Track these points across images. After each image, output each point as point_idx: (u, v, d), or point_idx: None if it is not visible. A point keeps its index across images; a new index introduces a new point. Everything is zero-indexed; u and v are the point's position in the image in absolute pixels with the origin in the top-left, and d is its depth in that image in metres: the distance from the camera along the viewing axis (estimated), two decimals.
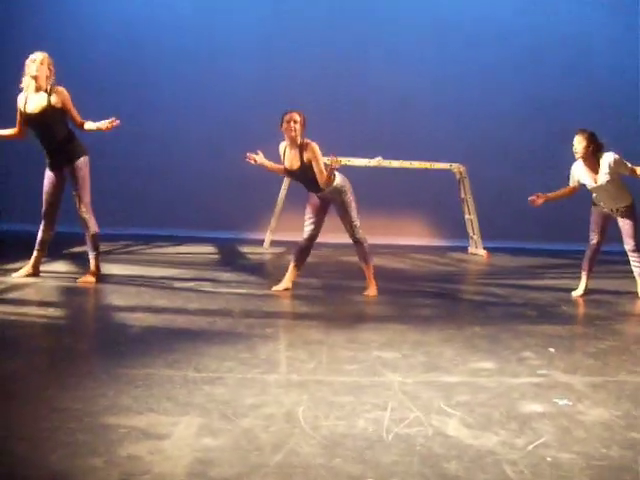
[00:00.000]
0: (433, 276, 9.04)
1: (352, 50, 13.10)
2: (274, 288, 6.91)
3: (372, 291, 7.03)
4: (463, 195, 11.80)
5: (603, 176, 6.92)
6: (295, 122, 6.73)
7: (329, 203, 6.95)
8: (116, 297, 6.22)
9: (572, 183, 7.19)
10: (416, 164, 11.36)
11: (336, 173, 6.75)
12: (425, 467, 2.71)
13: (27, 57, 6.75)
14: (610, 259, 9.05)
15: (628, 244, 7.10)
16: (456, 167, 11.58)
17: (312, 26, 13.16)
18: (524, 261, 10.63)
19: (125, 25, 12.96)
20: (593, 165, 6.95)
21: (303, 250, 7.02)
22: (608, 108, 12.92)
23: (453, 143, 12.77)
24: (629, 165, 6.89)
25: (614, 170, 6.85)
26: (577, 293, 7.38)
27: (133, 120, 12.61)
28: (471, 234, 11.91)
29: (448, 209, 12.54)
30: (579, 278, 7.47)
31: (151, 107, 12.83)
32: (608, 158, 6.87)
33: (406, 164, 11.32)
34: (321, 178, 6.58)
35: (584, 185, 7.08)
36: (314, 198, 6.92)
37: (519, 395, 3.73)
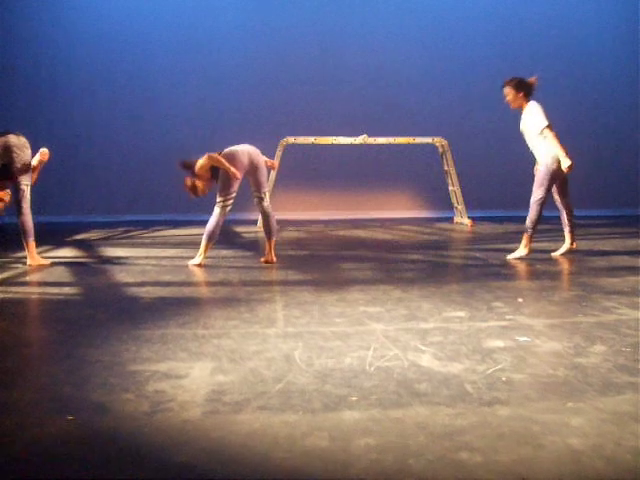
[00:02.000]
0: (418, 244, 9.61)
1: (334, 29, 13.54)
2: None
3: (270, 258, 7.51)
4: (446, 168, 12.33)
5: (523, 122, 7.52)
6: None
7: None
8: (124, 275, 6.76)
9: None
10: (400, 140, 11.89)
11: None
12: (400, 388, 3.29)
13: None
14: (590, 223, 9.67)
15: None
16: (438, 141, 12.11)
17: (293, 6, 13.59)
18: (507, 228, 11.20)
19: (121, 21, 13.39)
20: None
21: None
22: (595, 83, 13.53)
23: (435, 117, 13.30)
24: (544, 119, 7.36)
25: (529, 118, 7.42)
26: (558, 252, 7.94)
27: (126, 110, 13.15)
28: (455, 204, 12.45)
29: (433, 182, 13.07)
30: (556, 240, 8.04)
31: (146, 98, 13.27)
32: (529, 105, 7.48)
33: (390, 140, 11.85)
34: None
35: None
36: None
37: (485, 335, 4.30)
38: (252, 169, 7.23)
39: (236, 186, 7.18)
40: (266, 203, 7.38)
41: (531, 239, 7.70)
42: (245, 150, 7.23)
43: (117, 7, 13.34)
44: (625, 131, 14.23)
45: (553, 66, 13.57)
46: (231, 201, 7.21)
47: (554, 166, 7.32)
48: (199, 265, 7.25)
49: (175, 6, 13.47)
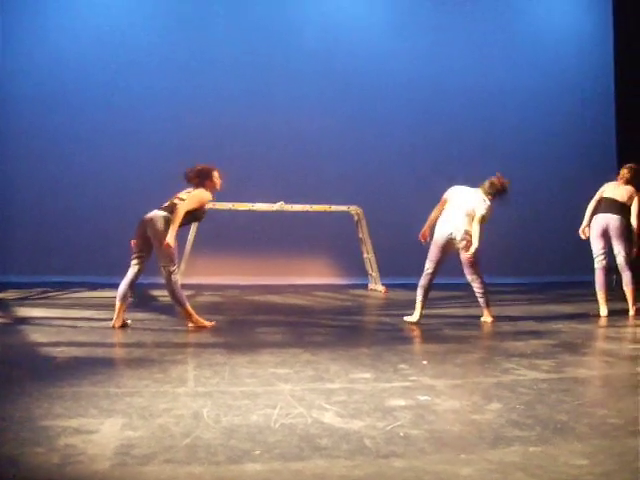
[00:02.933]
0: (331, 310, 9.84)
1: (255, 95, 13.81)
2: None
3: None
4: (361, 235, 12.64)
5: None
6: None
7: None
8: (38, 335, 6.79)
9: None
10: (316, 207, 12.18)
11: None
12: (302, 442, 3.46)
13: None
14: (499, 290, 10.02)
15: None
16: (354, 209, 12.43)
17: (217, 69, 13.86)
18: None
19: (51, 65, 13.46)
20: None
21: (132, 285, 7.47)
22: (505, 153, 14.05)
23: (351, 185, 13.62)
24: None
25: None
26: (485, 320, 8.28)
27: (44, 168, 13.16)
28: (370, 271, 12.74)
29: (348, 248, 13.34)
30: (465, 307, 8.35)
31: (62, 153, 13.29)
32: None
33: (307, 207, 12.13)
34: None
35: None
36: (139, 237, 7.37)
37: (388, 395, 4.51)
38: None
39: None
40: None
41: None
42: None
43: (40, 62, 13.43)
44: (537, 202, 14.74)
45: (470, 136, 14.11)
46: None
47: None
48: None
49: (110, 73, 13.62)
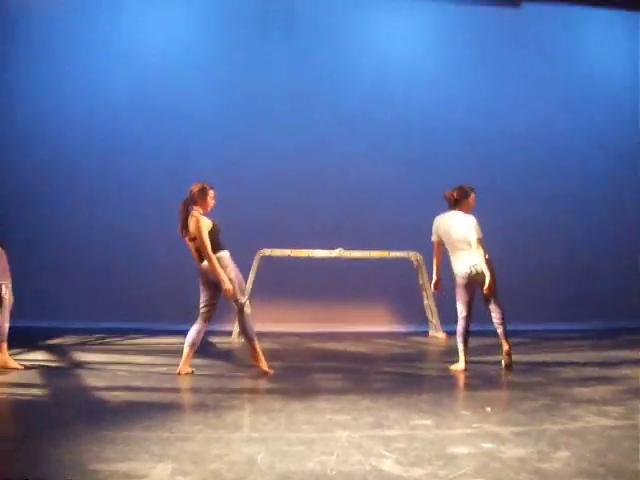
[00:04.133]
0: (390, 357, 9.64)
1: (312, 144, 13.77)
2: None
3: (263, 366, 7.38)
4: (421, 282, 12.45)
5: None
6: None
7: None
8: (94, 379, 6.74)
9: None
10: (375, 253, 12.04)
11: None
12: None
13: None
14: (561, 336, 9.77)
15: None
16: (413, 255, 12.26)
17: (273, 117, 13.85)
18: (481, 341, 11.23)
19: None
20: None
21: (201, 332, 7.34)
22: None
23: (410, 231, 13.40)
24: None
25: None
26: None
27: (106, 215, 13.24)
28: (430, 318, 12.52)
29: (408, 296, 13.13)
30: (526, 353, 8.10)
31: (122, 201, 13.37)
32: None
33: (365, 254, 12.00)
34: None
35: None
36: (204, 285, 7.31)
37: (450, 442, 4.32)
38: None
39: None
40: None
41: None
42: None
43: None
44: (605, 244, 14.42)
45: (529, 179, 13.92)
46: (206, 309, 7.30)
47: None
48: None
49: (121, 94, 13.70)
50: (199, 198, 7.34)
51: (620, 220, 14.48)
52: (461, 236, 7.78)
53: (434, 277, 8.08)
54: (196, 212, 7.26)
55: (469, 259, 7.70)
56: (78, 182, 13.25)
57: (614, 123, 14.72)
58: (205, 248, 7.04)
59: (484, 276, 7.61)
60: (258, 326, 10.17)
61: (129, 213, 13.30)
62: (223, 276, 6.98)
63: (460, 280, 7.78)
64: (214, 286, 7.17)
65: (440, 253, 8.06)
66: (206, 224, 7.19)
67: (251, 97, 13.89)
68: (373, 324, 13.59)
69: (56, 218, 13.24)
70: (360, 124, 13.98)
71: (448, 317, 12.08)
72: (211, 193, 7.42)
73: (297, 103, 13.92)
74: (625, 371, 7.71)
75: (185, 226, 7.29)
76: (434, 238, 8.11)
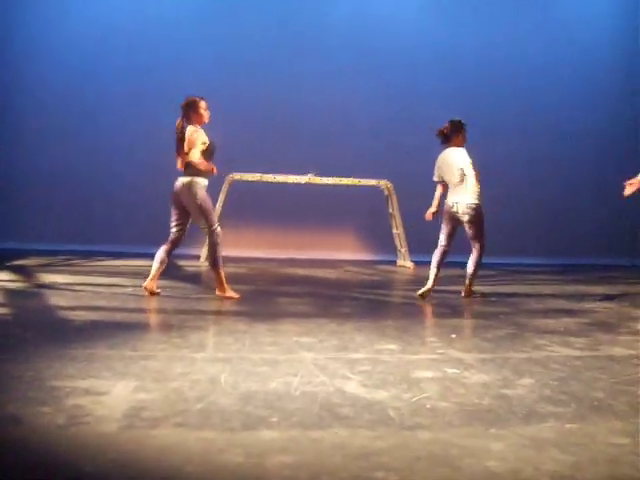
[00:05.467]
0: (358, 283, 9.65)
1: (287, 68, 13.59)
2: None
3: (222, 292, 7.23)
4: (391, 210, 12.41)
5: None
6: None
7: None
8: (58, 299, 6.66)
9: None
10: (346, 181, 11.98)
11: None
12: (322, 411, 3.27)
13: None
14: (523, 269, 9.82)
15: None
16: (384, 183, 12.20)
17: (248, 41, 13.61)
18: (447, 272, 11.22)
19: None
20: None
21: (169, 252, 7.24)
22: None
23: (382, 159, 13.34)
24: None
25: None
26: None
27: (72, 137, 13.04)
28: (399, 247, 12.52)
29: (377, 224, 13.11)
30: (496, 284, 8.13)
31: (93, 126, 13.17)
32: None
33: (336, 180, 11.93)
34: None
35: None
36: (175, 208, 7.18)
37: (414, 367, 4.30)
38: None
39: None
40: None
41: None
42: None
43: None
44: (575, 182, 14.42)
45: (501, 111, 13.83)
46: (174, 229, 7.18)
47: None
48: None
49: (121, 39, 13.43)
50: (191, 112, 7.11)
51: (601, 156, 14.46)
52: (455, 171, 7.70)
53: (432, 208, 8.00)
54: (193, 126, 7.05)
55: (455, 195, 7.67)
56: (48, 104, 13.00)
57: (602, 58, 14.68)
58: (198, 160, 6.85)
59: (462, 215, 7.57)
60: (226, 251, 10.13)
61: (96, 136, 13.12)
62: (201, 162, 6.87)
63: (444, 212, 7.74)
64: (184, 208, 7.05)
65: (443, 190, 8.03)
66: (202, 138, 7.00)
67: (224, 12, 13.67)
68: (342, 251, 13.61)
69: (21, 138, 13.02)
70: (337, 52, 13.82)
71: (417, 247, 12.13)
72: (202, 104, 7.16)
73: (271, 24, 13.71)
74: (590, 305, 7.76)
75: (181, 146, 7.05)
76: (435, 178, 8.10)
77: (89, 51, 13.27)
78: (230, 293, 7.18)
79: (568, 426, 3.19)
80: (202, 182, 6.98)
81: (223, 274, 7.16)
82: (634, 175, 7.19)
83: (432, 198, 8.03)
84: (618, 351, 5.15)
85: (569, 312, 7.11)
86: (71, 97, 13.10)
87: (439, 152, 8.02)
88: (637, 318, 6.94)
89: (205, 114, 7.16)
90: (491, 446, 2.88)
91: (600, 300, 8.16)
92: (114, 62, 13.25)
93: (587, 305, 7.73)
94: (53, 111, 12.97)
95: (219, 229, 7.06)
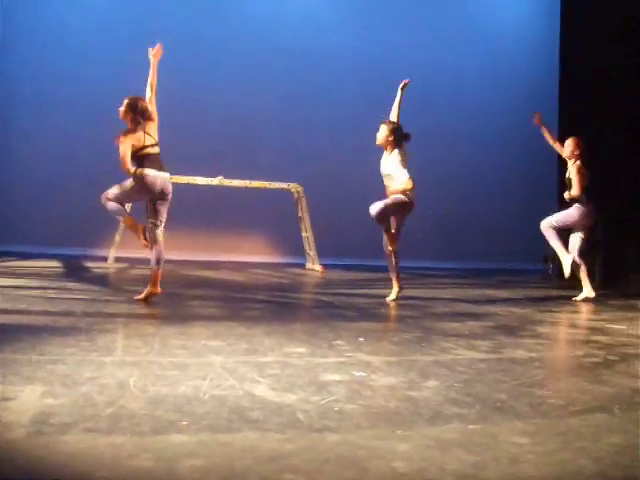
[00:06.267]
0: (267, 286, 9.70)
1: (195, 67, 13.55)
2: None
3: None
4: (300, 214, 12.50)
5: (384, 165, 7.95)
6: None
7: None
8: None
9: None
10: (255, 183, 12.01)
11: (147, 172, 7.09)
12: (232, 415, 3.30)
13: None
14: (431, 273, 10.00)
15: None
16: (293, 186, 12.28)
17: (156, 40, 13.53)
18: (356, 275, 11.42)
19: None
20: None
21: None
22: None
23: (291, 162, 13.43)
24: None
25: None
26: (390, 298, 8.12)
27: None
28: (308, 251, 12.61)
29: (286, 227, 13.18)
30: (406, 287, 8.29)
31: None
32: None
33: (246, 183, 11.95)
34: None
35: None
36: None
37: (323, 370, 4.37)
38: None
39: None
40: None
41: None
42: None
43: None
44: (472, 184, 14.71)
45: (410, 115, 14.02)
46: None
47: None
48: None
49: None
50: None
51: (515, 160, 14.79)
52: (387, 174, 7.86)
53: None
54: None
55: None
56: None
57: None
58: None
59: None
60: (132, 252, 10.09)
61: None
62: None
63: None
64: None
65: None
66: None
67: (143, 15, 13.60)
68: (251, 254, 13.65)
69: None
70: (247, 53, 13.84)
71: (325, 250, 12.25)
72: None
73: (182, 21, 13.68)
74: (494, 309, 7.97)
75: None
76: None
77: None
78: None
79: (472, 427, 3.29)
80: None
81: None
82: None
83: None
84: (520, 354, 5.32)
85: (474, 316, 7.29)
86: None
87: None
88: (538, 321, 7.16)
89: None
90: (397, 447, 2.95)
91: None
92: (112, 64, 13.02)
93: (491, 309, 7.93)
94: None
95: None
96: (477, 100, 14.97)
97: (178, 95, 13.10)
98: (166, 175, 7.09)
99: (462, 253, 14.23)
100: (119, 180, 7.08)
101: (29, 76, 13.11)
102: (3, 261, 10.92)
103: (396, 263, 8.03)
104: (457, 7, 15.26)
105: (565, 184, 8.78)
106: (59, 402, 3.38)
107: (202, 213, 13.24)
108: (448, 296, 9.02)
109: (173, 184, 11.47)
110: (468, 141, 14.66)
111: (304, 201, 12.30)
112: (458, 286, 10.53)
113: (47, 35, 13.25)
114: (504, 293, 9.83)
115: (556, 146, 9.07)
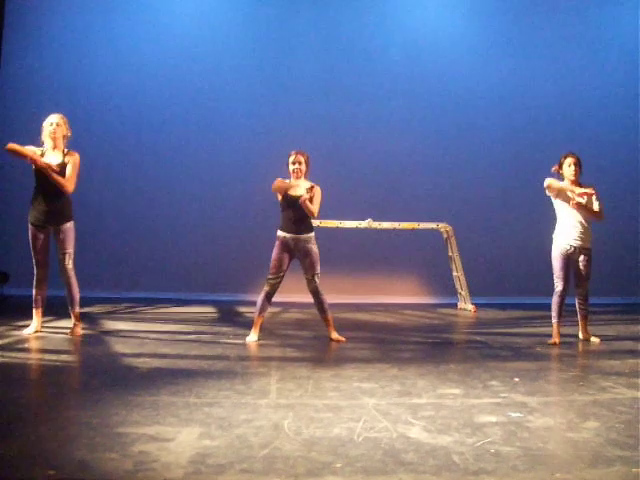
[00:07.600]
0: (419, 327, 9.60)
1: (341, 113, 13.68)
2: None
3: (335, 336, 7.69)
4: (450, 253, 12.36)
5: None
6: (300, 163, 7.44)
7: (293, 256, 7.63)
8: (122, 346, 6.76)
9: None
10: (404, 225, 11.96)
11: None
12: (386, 457, 3.27)
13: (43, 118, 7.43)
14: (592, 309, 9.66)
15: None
16: (443, 226, 12.17)
17: (303, 90, 13.78)
18: (510, 314, 11.17)
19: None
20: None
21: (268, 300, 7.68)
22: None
23: (440, 203, 13.34)
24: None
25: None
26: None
27: (135, 184, 13.25)
28: (459, 290, 12.45)
29: (437, 267, 13.07)
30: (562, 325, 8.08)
31: (151, 171, 13.35)
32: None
33: (395, 225, 11.92)
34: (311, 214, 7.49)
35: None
36: (282, 253, 7.60)
37: (478, 411, 4.28)
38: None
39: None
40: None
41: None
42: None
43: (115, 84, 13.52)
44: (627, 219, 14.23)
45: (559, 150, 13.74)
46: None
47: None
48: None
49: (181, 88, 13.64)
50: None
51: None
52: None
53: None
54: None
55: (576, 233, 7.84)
56: (102, 152, 13.18)
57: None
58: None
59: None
60: (287, 297, 10.20)
61: (155, 181, 13.30)
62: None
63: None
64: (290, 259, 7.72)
65: None
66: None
67: (279, 69, 13.85)
68: (402, 295, 13.55)
69: (85, 188, 13.27)
70: (390, 95, 13.87)
71: (477, 289, 12.07)
72: (289, 159, 7.83)
73: (325, 75, 13.84)
74: None
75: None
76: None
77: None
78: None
79: (635, 470, 3.15)
80: None
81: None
82: None
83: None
84: None
85: (633, 353, 7.00)
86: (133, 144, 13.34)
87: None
88: None
89: (291, 168, 7.77)
90: None
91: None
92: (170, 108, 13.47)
93: None
94: (108, 155, 13.18)
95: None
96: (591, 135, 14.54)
97: (323, 140, 13.29)
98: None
99: (623, 286, 13.73)
100: None
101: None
102: (160, 307, 11.24)
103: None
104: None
105: None
106: (215, 444, 3.44)
107: (352, 256, 13.28)
108: (604, 333, 8.66)
109: (322, 229, 11.74)
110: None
111: (454, 240, 12.17)
112: (618, 322, 10.13)
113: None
114: None
115: None
